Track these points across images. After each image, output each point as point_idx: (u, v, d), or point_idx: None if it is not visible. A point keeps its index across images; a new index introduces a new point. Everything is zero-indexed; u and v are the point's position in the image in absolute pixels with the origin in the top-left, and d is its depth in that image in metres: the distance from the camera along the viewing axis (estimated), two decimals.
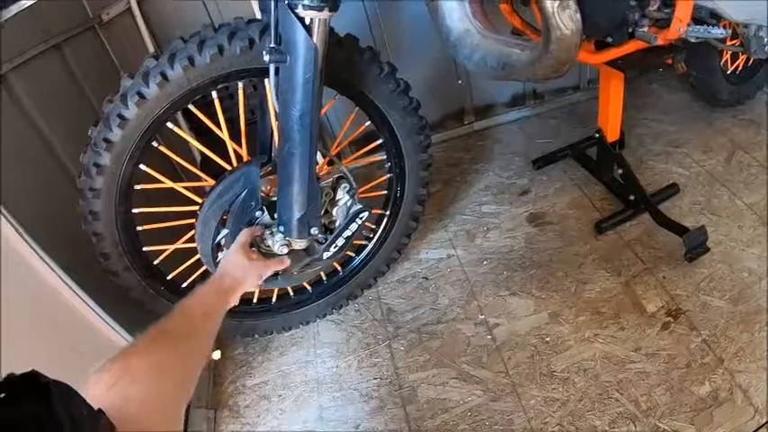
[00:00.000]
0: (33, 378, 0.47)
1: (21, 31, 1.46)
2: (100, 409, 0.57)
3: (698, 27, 1.51)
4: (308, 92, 1.17)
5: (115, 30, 1.86)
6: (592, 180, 2.07)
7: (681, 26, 1.48)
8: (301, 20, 1.11)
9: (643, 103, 2.39)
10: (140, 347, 0.84)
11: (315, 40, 1.13)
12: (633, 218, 1.87)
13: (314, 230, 1.38)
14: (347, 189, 1.43)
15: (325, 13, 1.12)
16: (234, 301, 1.14)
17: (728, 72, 2.15)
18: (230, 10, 1.93)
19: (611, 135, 1.86)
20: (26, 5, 1.39)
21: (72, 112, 1.61)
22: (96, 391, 0.73)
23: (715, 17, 1.55)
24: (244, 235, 1.30)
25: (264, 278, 1.28)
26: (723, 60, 2.11)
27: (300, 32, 1.11)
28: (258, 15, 1.89)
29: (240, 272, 1.20)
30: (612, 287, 1.67)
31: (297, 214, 1.32)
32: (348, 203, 1.43)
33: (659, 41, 1.50)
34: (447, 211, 2.13)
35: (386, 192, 1.74)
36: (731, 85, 2.17)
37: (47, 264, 1.29)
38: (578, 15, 1.24)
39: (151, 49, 1.90)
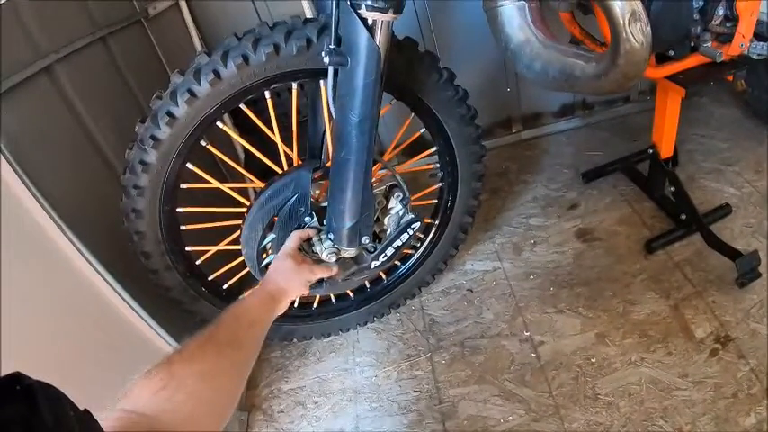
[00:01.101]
0: (17, 380, 0.46)
1: (68, 23, 1.45)
2: (86, 410, 0.55)
3: (761, 43, 1.47)
4: (368, 96, 1.13)
5: (162, 24, 1.85)
6: (642, 196, 2.01)
7: (744, 42, 1.44)
8: (364, 21, 1.07)
9: (693, 117, 2.32)
10: (187, 355, 0.84)
11: (378, 42, 1.09)
12: (684, 238, 1.81)
13: (364, 239, 1.35)
14: (400, 198, 1.40)
15: (390, 15, 1.09)
16: (281, 309, 1.13)
17: None
18: (279, 8, 1.92)
19: (665, 151, 1.81)
20: None
21: (116, 105, 1.60)
22: (142, 396, 0.73)
23: None
24: (292, 239, 1.28)
25: (310, 285, 1.26)
26: None
27: (363, 34, 1.08)
28: (309, 14, 1.87)
29: (286, 278, 1.18)
30: (661, 309, 1.62)
31: (348, 222, 1.29)
32: (400, 213, 1.39)
33: (723, 57, 1.46)
34: (494, 222, 2.09)
35: (436, 201, 1.71)
36: None
37: (86, 258, 1.29)
38: (649, 28, 1.20)
39: (198, 45, 1.90)
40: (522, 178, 2.28)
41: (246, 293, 1.14)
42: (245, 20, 1.59)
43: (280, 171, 1.39)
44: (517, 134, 2.47)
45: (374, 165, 1.38)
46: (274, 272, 1.20)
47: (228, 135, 1.47)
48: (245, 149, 1.46)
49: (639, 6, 1.17)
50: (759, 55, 1.49)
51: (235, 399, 0.88)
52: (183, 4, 1.87)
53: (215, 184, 1.39)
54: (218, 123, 1.35)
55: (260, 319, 1.04)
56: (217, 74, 1.24)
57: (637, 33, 1.19)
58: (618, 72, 1.24)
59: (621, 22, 1.17)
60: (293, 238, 1.29)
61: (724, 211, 1.85)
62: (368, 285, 1.74)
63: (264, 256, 1.41)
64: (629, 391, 1.44)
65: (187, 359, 0.82)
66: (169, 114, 1.25)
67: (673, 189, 1.83)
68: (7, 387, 0.45)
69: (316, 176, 1.36)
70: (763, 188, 1.93)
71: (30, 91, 1.29)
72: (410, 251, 1.75)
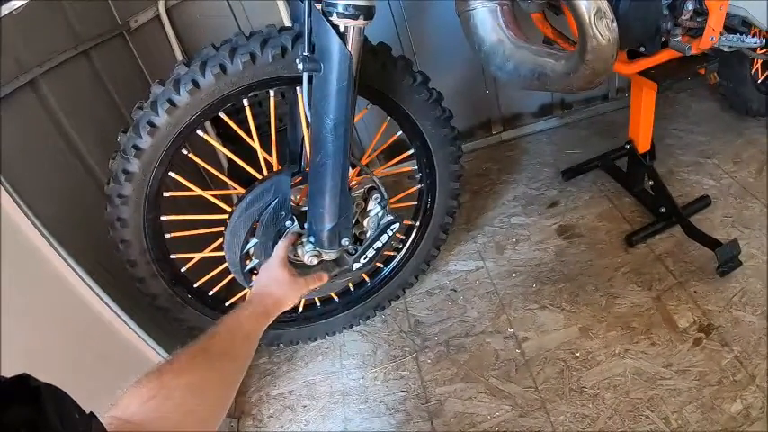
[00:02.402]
0: (24, 381, 0.47)
1: (51, 37, 1.47)
2: (92, 413, 0.56)
3: (731, 36, 1.50)
4: (342, 101, 1.16)
5: (143, 37, 1.87)
6: (622, 192, 2.04)
7: (714, 35, 1.47)
8: (336, 28, 1.10)
9: (672, 112, 2.36)
10: (178, 366, 0.83)
11: (349, 48, 1.12)
12: (664, 230, 1.84)
13: (344, 241, 1.36)
14: (379, 200, 1.42)
15: (360, 22, 1.11)
16: (273, 319, 1.13)
17: (759, 81, 2.12)
18: (258, 18, 1.94)
19: (642, 146, 1.84)
20: (22, 3, 1.38)
21: (99, 117, 1.62)
22: (131, 404, 0.73)
23: (746, 25, 1.54)
24: (282, 249, 1.28)
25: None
26: (754, 69, 2.08)
27: (335, 41, 1.10)
28: (287, 23, 1.90)
29: (283, 290, 1.18)
30: (643, 301, 1.64)
31: (328, 225, 1.31)
32: (379, 214, 1.41)
33: (693, 51, 1.48)
34: (476, 223, 2.12)
35: (416, 203, 1.73)
36: (762, 95, 2.14)
37: (72, 268, 1.30)
38: (615, 25, 1.23)
39: (179, 56, 1.91)
40: (502, 178, 2.30)
41: (242, 304, 1.12)
42: (226, 31, 1.61)
43: (260, 177, 1.41)
44: (497, 135, 2.50)
45: (352, 168, 1.41)
46: (270, 283, 1.20)
47: (211, 144, 1.49)
48: (229, 158, 1.47)
49: (605, 4, 1.20)
50: (730, 47, 1.52)
51: (224, 409, 0.88)
52: (164, 17, 1.89)
53: (197, 191, 1.41)
54: (199, 132, 1.37)
55: (254, 330, 1.04)
56: (195, 83, 1.26)
57: (603, 30, 1.21)
58: (586, 68, 1.27)
59: (587, 19, 1.20)
60: (282, 248, 1.28)
61: (703, 202, 1.88)
62: (352, 288, 1.76)
63: (247, 261, 1.42)
64: (614, 382, 1.46)
65: (177, 370, 0.82)
66: (150, 124, 1.27)
67: (651, 183, 1.86)
68: (14, 388, 0.46)
69: (295, 181, 1.38)
70: (742, 179, 1.96)
71: (14, 104, 1.31)
72: (392, 253, 1.77)
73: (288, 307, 1.19)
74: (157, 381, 0.77)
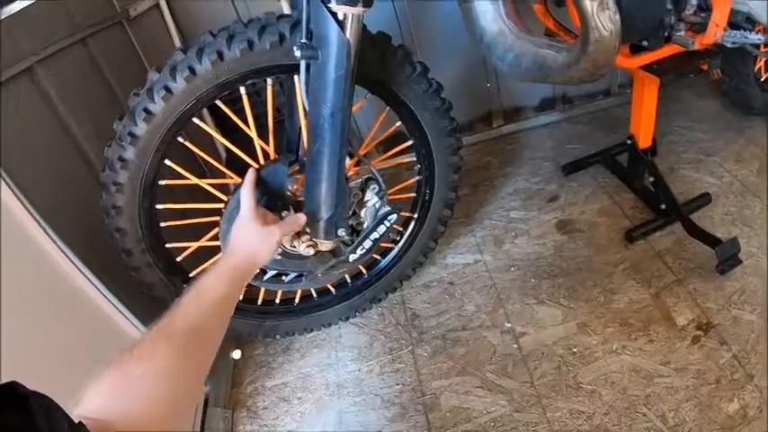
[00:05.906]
0: (12, 389, 0.46)
1: (49, 24, 1.46)
2: (81, 423, 0.54)
3: (734, 32, 1.49)
4: (340, 89, 1.15)
5: (142, 25, 1.86)
6: (622, 187, 2.04)
7: (717, 31, 1.46)
8: (334, 15, 1.09)
9: (674, 109, 2.36)
10: (138, 352, 0.77)
11: (348, 35, 1.11)
12: (664, 227, 1.83)
13: (341, 232, 1.36)
14: (376, 191, 1.41)
15: (359, 9, 1.10)
16: (250, 277, 1.07)
17: (762, 80, 2.11)
18: (258, 6, 1.93)
19: (644, 142, 1.83)
20: (27, 4, 1.38)
21: (97, 106, 1.61)
22: (93, 400, 0.68)
23: (751, 22, 1.52)
24: (248, 198, 1.18)
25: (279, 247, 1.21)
26: (757, 68, 2.07)
27: (333, 28, 1.10)
28: (287, 11, 1.89)
29: (254, 242, 1.11)
30: (642, 298, 1.64)
31: (324, 215, 1.30)
32: (377, 205, 1.41)
33: (696, 46, 1.47)
34: (474, 216, 2.11)
35: (414, 194, 1.72)
36: (764, 94, 2.12)
37: (67, 256, 1.29)
38: (617, 17, 1.22)
39: (178, 44, 1.90)
40: (502, 172, 2.29)
41: (211, 267, 1.03)
42: (225, 19, 1.59)
43: (257, 166, 1.40)
44: (498, 129, 2.49)
45: (350, 158, 1.40)
46: (240, 241, 1.12)
47: (208, 132, 1.48)
48: (227, 148, 1.46)
49: None
50: (734, 43, 1.51)
51: (197, 387, 0.84)
52: (164, 5, 1.88)
53: (193, 180, 1.40)
54: (196, 120, 1.35)
55: (225, 294, 0.95)
56: (192, 70, 1.25)
57: (605, 22, 1.20)
58: (588, 60, 1.26)
59: (590, 11, 1.19)
60: (248, 196, 1.19)
61: (704, 200, 1.88)
62: (349, 280, 1.75)
63: None
64: (611, 379, 1.45)
65: (138, 358, 0.76)
66: (146, 111, 1.26)
67: (652, 179, 1.85)
68: (3, 396, 0.45)
69: (292, 170, 1.37)
70: (743, 177, 1.95)
71: (10, 92, 1.30)
72: (389, 245, 1.76)
73: (265, 259, 1.13)
74: (117, 371, 0.73)
